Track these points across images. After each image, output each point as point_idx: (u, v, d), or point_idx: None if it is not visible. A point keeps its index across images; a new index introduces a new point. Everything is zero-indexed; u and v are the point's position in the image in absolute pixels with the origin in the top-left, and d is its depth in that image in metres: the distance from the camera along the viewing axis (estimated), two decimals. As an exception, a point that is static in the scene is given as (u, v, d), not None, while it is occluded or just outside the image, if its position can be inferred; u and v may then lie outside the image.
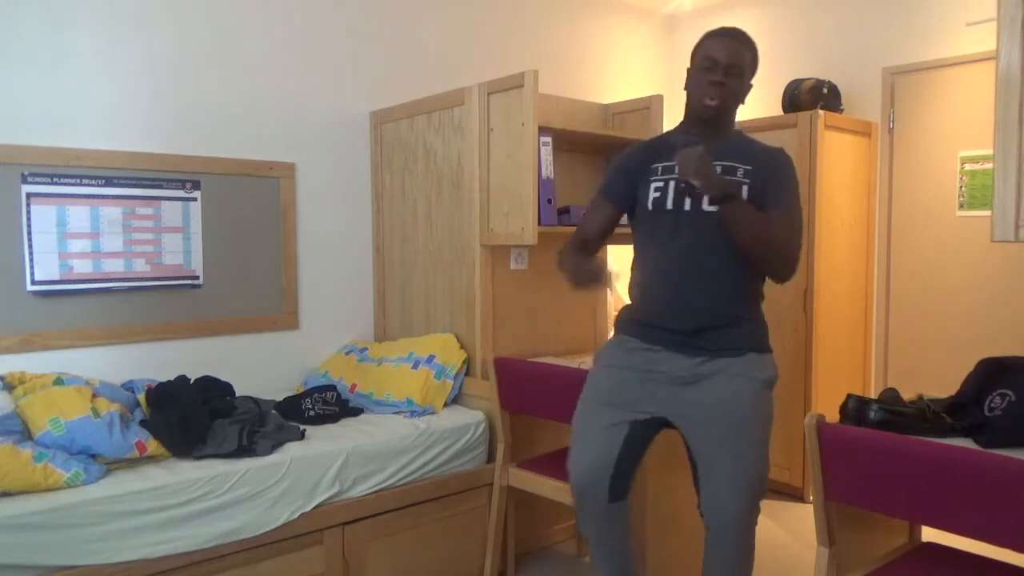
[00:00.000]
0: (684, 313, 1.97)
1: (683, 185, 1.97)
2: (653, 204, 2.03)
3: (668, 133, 2.19)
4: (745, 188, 1.95)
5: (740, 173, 1.98)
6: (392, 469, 2.55)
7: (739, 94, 2.04)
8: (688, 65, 2.09)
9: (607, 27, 4.45)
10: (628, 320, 2.10)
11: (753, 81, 2.09)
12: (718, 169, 1.94)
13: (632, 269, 2.14)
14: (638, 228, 2.14)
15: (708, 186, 1.88)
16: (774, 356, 2.05)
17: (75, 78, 2.68)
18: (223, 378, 2.74)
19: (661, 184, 2.03)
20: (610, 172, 2.19)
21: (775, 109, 3.97)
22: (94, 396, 2.32)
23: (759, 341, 2.02)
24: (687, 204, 1.98)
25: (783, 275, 1.98)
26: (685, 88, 2.09)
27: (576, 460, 2.02)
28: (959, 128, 3.62)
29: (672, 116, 4.62)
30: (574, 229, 2.27)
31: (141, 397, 2.49)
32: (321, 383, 2.99)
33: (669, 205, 2.00)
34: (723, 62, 1.98)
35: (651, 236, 2.07)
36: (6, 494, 1.98)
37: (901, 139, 3.84)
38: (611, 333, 2.22)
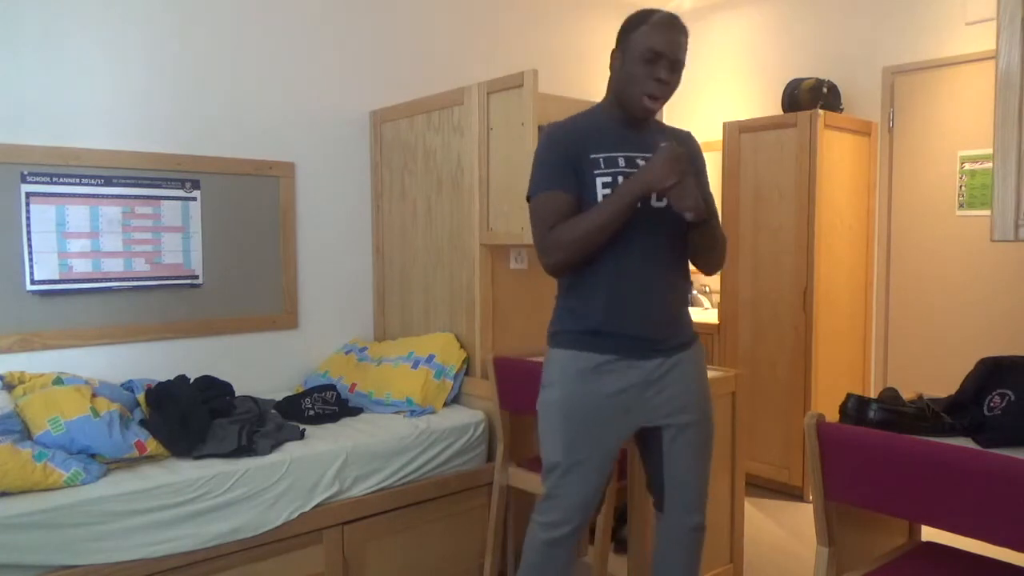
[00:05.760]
0: (649, 317, 1.87)
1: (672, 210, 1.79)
2: None
3: (590, 116, 1.96)
4: None
5: None
6: (392, 469, 2.55)
7: (675, 91, 1.89)
8: (615, 47, 1.89)
9: (607, 27, 4.45)
10: (581, 332, 1.89)
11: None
12: (639, 162, 1.86)
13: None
14: None
15: (699, 214, 1.76)
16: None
17: (75, 78, 2.68)
18: (223, 378, 2.74)
19: (609, 180, 1.84)
20: (551, 165, 1.88)
21: (775, 109, 3.98)
22: (94, 396, 2.32)
23: (692, 328, 2.01)
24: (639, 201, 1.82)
25: (719, 268, 1.99)
26: (613, 70, 1.89)
27: (568, 502, 1.93)
28: (959, 128, 3.62)
29: (672, 115, 4.65)
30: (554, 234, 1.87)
31: (141, 397, 2.49)
32: (321, 383, 2.99)
33: None
34: (669, 57, 1.80)
35: None
36: (6, 494, 1.98)
37: (901, 139, 3.84)
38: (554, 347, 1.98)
